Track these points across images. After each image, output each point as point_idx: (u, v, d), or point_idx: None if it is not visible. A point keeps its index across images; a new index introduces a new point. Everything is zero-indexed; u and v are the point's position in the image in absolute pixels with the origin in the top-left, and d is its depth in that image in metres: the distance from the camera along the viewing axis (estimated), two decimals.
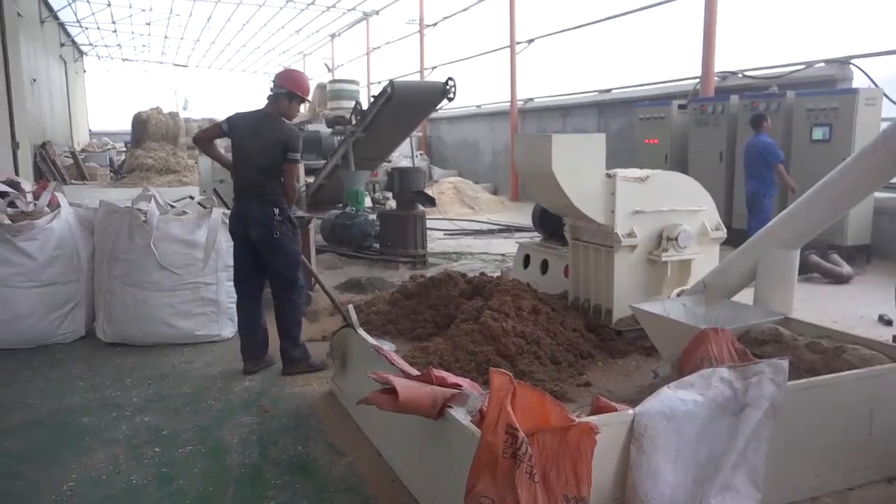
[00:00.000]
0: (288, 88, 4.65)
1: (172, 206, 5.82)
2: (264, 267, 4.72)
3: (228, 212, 5.67)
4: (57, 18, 26.42)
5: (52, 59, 25.14)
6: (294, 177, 4.67)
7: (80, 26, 28.84)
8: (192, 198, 6.39)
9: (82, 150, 26.67)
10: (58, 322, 5.40)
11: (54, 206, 5.69)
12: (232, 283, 5.48)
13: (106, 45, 34.88)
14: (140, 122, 24.13)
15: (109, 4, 24.47)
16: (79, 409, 4.19)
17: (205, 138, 4.90)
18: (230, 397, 4.36)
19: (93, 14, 26.42)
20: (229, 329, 5.54)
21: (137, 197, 5.70)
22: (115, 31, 30.23)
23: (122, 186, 20.50)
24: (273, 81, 4.73)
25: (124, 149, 26.38)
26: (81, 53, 36.12)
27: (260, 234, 4.57)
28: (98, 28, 29.47)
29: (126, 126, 25.81)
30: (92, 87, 40.01)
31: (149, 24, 28.16)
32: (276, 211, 4.55)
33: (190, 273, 5.34)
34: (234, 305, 5.52)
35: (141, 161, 22.64)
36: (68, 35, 30.42)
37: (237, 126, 4.67)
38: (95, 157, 25.50)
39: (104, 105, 44.32)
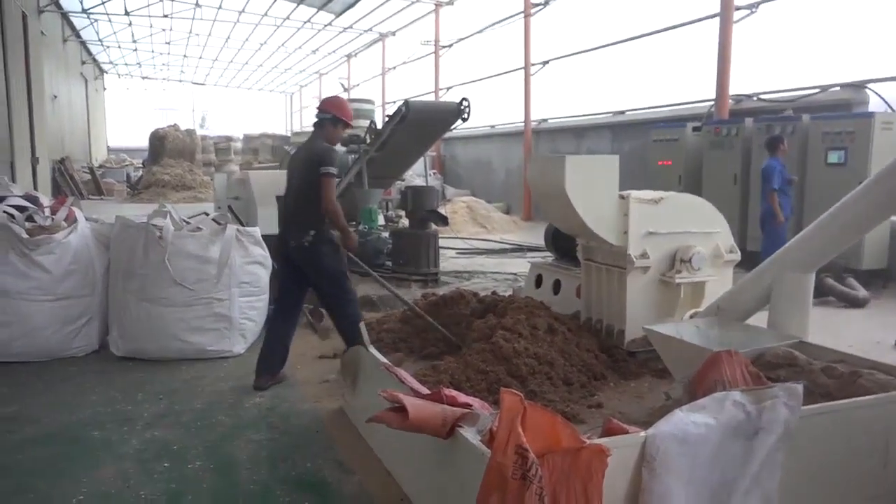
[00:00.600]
0: (332, 114, 4.81)
1: (187, 223, 5.87)
2: (300, 289, 4.86)
3: (243, 229, 5.76)
4: (79, 37, 26.97)
5: (73, 77, 25.61)
6: (330, 191, 4.58)
7: (102, 45, 29.40)
8: (206, 214, 6.45)
9: (100, 166, 27.02)
10: (72, 335, 5.44)
11: (71, 220, 5.76)
12: (244, 300, 5.56)
13: (126, 64, 35.53)
14: (157, 138, 24.44)
15: (130, 24, 24.95)
16: (90, 422, 4.21)
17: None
18: (240, 413, 4.36)
19: (114, 33, 26.94)
20: (241, 345, 5.56)
21: (153, 213, 5.76)
22: (135, 50, 30.82)
23: (138, 202, 20.73)
24: (318, 108, 4.89)
25: (141, 166, 26.68)
26: (102, 71, 36.76)
27: (300, 256, 4.68)
28: (119, 47, 30.04)
29: (144, 142, 26.14)
30: (111, 104, 40.71)
31: (168, 43, 28.66)
32: (312, 233, 4.62)
33: (203, 289, 5.37)
34: (246, 321, 5.57)
35: (158, 177, 22.90)
36: (90, 53, 31.01)
37: (291, 158, 5.00)
38: (113, 173, 25.85)
39: (123, 122, 44.76)
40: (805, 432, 2.79)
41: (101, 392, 4.74)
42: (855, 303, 7.43)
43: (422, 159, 11.14)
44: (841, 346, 4.39)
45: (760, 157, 8.69)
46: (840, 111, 9.30)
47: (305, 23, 24.47)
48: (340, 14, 23.43)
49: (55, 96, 19.70)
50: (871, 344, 5.91)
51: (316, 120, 4.86)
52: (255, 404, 4.51)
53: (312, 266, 4.69)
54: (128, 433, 4.04)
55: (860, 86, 9.52)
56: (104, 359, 5.46)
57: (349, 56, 31.18)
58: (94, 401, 4.57)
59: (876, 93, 9.24)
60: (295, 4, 22.42)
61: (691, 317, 4.91)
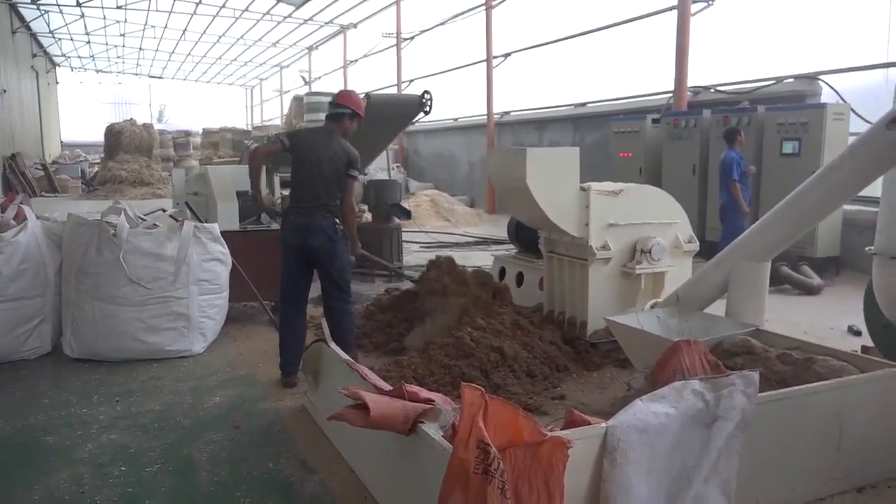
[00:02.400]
0: (351, 109, 4.85)
1: (143, 220, 5.73)
2: (310, 278, 4.86)
3: (201, 225, 5.64)
4: (29, 29, 26.12)
5: (23, 70, 24.83)
6: (353, 193, 4.85)
7: (53, 37, 28.53)
8: (163, 210, 6.31)
9: (53, 162, 26.26)
10: (23, 338, 5.27)
11: (21, 219, 5.57)
12: (204, 298, 5.45)
13: (79, 57, 34.55)
14: (113, 133, 23.80)
15: (83, 16, 24.25)
16: (43, 427, 4.08)
17: (263, 153, 5.08)
18: (200, 414, 4.28)
19: (66, 25, 26.15)
20: (200, 344, 5.45)
21: (107, 210, 5.61)
22: (88, 43, 29.97)
23: (94, 199, 20.19)
24: (333, 102, 4.90)
25: (97, 160, 25.97)
26: (54, 64, 35.70)
27: (322, 242, 4.65)
28: (71, 39, 29.19)
29: (99, 137, 25.45)
30: (65, 98, 39.54)
31: (123, 35, 27.95)
32: (337, 222, 4.71)
33: (160, 287, 5.24)
34: (206, 320, 5.47)
35: (114, 173, 22.32)
36: (41, 46, 30.06)
37: (304, 141, 4.86)
38: (67, 169, 25.13)
39: (77, 116, 43.43)
40: (762, 419, 2.84)
41: (54, 395, 4.60)
42: (809, 290, 7.61)
43: (384, 153, 11.06)
44: (796, 333, 4.50)
45: (718, 149, 8.83)
46: (794, 102, 9.49)
47: (265, 15, 24.09)
48: (300, 6, 23.12)
49: (4, 90, 19.10)
50: (826, 330, 6.06)
51: (332, 113, 4.87)
52: (215, 404, 4.43)
53: (332, 253, 4.69)
54: (82, 437, 3.93)
55: (813, 77, 9.73)
56: (58, 361, 5.30)
57: (310, 49, 30.81)
58: (47, 404, 4.44)
59: (828, 84, 9.45)
60: None
61: (652, 307, 4.96)
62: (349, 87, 26.37)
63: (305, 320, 4.98)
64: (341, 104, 4.86)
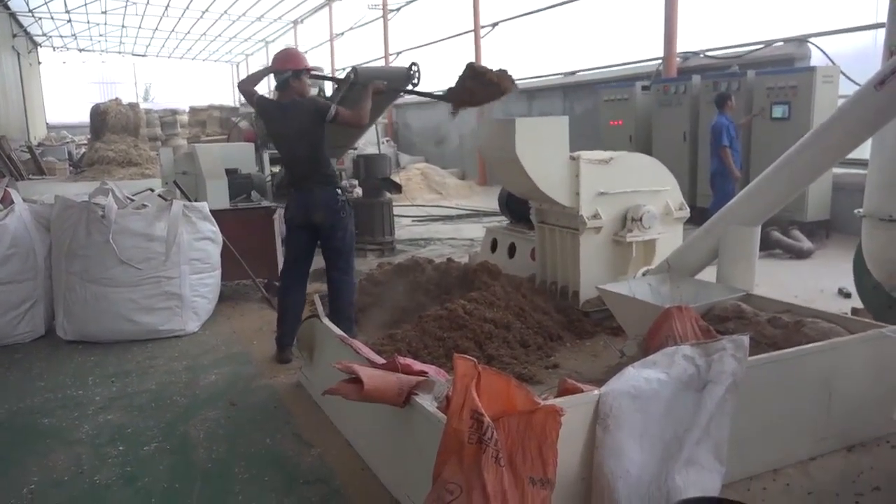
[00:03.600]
0: (291, 68, 4.66)
1: (132, 200, 5.68)
2: (313, 253, 4.84)
3: (191, 204, 5.60)
4: (7, 8, 25.59)
5: (4, 51, 24.41)
6: (348, 115, 4.67)
7: (33, 16, 27.92)
8: (152, 190, 6.26)
9: (39, 144, 25.94)
10: (15, 321, 5.27)
11: (7, 202, 5.53)
12: (195, 277, 5.44)
13: (61, 36, 33.88)
14: (98, 113, 23.47)
15: None
16: (39, 409, 4.09)
17: (244, 89, 4.83)
18: (196, 392, 4.29)
19: (46, 3, 25.62)
20: (194, 323, 5.45)
21: (94, 191, 5.57)
22: (69, 21, 29.39)
23: (81, 180, 19.99)
24: (273, 71, 4.72)
25: (84, 141, 25.62)
26: (35, 44, 35.05)
27: (326, 216, 4.65)
28: (52, 17, 28.58)
29: (85, 118, 25.10)
30: (48, 78, 38.93)
31: (104, 12, 27.42)
32: (339, 192, 4.70)
33: (151, 267, 5.23)
34: (198, 298, 5.46)
35: (101, 154, 22.08)
36: (20, 26, 29.50)
37: (269, 114, 4.76)
38: (53, 151, 24.82)
39: (62, 97, 42.79)
40: (752, 382, 2.87)
41: (49, 378, 4.61)
42: (800, 254, 7.65)
43: (374, 127, 10.96)
44: (787, 297, 4.53)
45: (708, 114, 8.80)
46: (783, 66, 9.45)
47: None
48: None
49: None
50: (816, 293, 6.11)
51: (278, 83, 4.71)
52: (211, 382, 4.45)
53: (338, 225, 4.68)
54: (79, 418, 3.94)
55: (802, 40, 9.67)
56: (51, 344, 5.30)
57: (295, 22, 30.33)
58: (43, 387, 4.45)
59: (817, 46, 9.40)
60: None
61: (643, 274, 4.98)
62: (334, 60, 26.15)
63: (305, 294, 4.95)
64: (281, 70, 4.67)
